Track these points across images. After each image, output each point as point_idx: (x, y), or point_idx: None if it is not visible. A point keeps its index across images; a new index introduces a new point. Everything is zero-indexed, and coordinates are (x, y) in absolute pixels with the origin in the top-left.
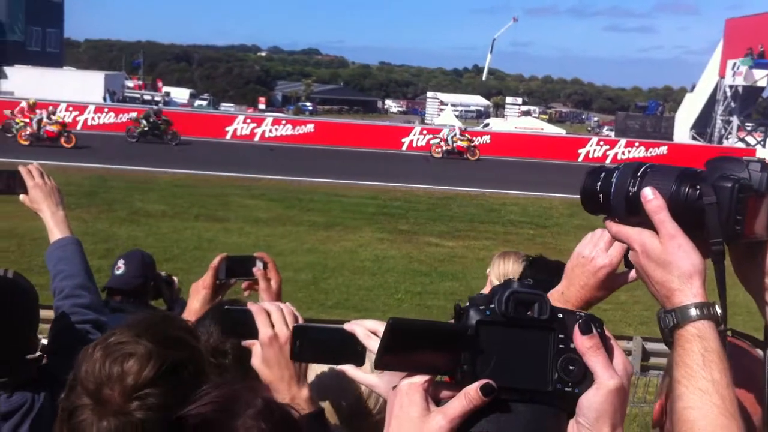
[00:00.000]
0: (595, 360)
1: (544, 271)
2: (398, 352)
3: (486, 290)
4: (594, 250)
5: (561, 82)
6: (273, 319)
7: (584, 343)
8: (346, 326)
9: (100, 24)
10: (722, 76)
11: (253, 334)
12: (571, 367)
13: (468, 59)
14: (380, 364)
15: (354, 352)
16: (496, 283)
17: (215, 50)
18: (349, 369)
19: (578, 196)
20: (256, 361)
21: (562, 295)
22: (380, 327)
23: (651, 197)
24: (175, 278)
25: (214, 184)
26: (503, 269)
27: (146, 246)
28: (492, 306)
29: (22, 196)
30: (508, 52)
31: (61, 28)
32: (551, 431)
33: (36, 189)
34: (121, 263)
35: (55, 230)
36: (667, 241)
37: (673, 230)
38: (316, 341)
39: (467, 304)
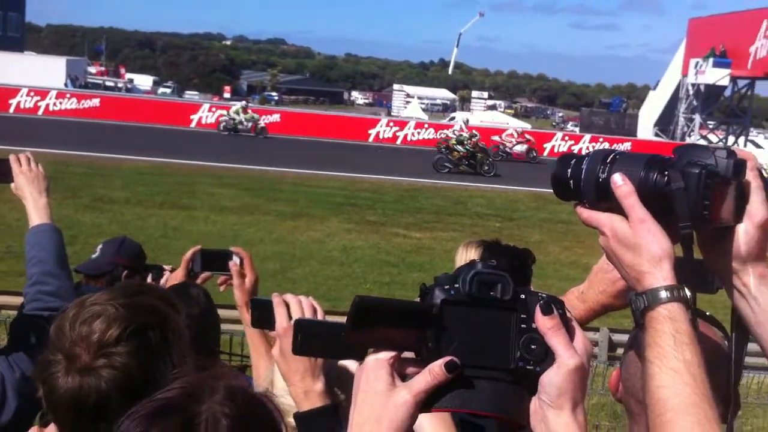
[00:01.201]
0: (555, 339)
1: (501, 255)
2: (365, 328)
3: None
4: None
5: (527, 78)
6: (291, 312)
7: (545, 323)
8: None
9: (62, 9)
10: (685, 74)
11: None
12: (532, 346)
13: (434, 53)
14: (348, 340)
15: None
16: None
17: (180, 38)
18: (350, 364)
19: (544, 190)
20: (275, 352)
21: (581, 294)
22: None
23: (620, 183)
24: (167, 269)
25: (179, 172)
26: (467, 258)
27: (110, 233)
28: (456, 286)
29: (12, 184)
30: (474, 47)
31: (22, 12)
32: (513, 407)
33: (20, 176)
34: (98, 248)
35: (34, 216)
36: (637, 225)
37: (643, 215)
38: (318, 335)
39: (432, 283)
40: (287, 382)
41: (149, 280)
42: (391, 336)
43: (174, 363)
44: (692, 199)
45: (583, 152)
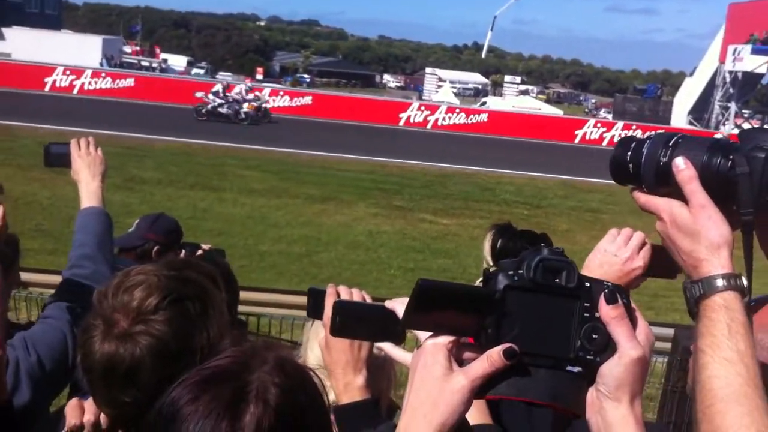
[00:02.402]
0: (619, 330)
1: (515, 238)
2: (425, 312)
3: (482, 267)
4: (628, 251)
5: (560, 63)
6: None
7: (609, 313)
8: (387, 303)
9: None
10: (722, 61)
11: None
12: (594, 336)
13: (468, 36)
14: (407, 324)
15: (394, 329)
16: (488, 257)
17: (214, 18)
18: (388, 347)
19: (574, 177)
20: (321, 343)
21: None
22: None
23: (683, 167)
24: (205, 247)
25: (210, 154)
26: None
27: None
28: (520, 271)
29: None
30: (509, 30)
31: None
32: (570, 397)
33: (78, 160)
34: (135, 223)
35: (84, 199)
36: (698, 211)
37: (704, 200)
38: (357, 318)
39: (497, 268)
40: (329, 374)
41: (182, 256)
42: (450, 320)
43: (211, 336)
44: (756, 185)
45: (614, 143)
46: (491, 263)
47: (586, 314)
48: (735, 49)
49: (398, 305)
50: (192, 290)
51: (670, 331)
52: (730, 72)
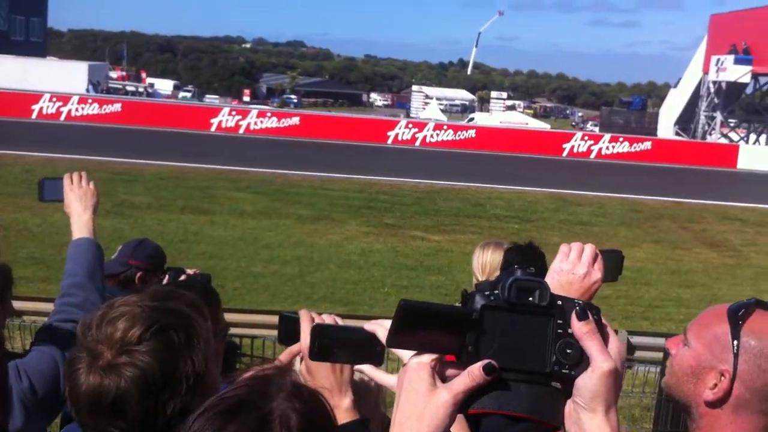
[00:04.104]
0: (590, 344)
1: (526, 258)
2: (408, 331)
3: (473, 282)
4: (584, 266)
5: (546, 77)
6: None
7: (581, 329)
8: (366, 326)
9: (83, 13)
10: (706, 72)
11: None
12: (568, 351)
13: (453, 53)
14: (391, 343)
15: (373, 351)
16: (477, 273)
17: (200, 41)
18: (368, 369)
19: (563, 191)
20: (302, 369)
21: None
22: None
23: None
24: (189, 272)
25: (199, 177)
26: (482, 259)
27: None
28: (496, 292)
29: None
30: (493, 46)
31: (44, 17)
32: (549, 409)
33: (69, 193)
34: (118, 249)
35: (76, 231)
36: None
37: None
38: (335, 340)
39: (475, 290)
40: None
41: (165, 281)
42: (433, 339)
43: (196, 366)
44: None
45: (601, 155)
46: (479, 278)
47: (559, 330)
48: (718, 60)
49: (377, 327)
50: (175, 320)
51: (663, 341)
52: (714, 82)
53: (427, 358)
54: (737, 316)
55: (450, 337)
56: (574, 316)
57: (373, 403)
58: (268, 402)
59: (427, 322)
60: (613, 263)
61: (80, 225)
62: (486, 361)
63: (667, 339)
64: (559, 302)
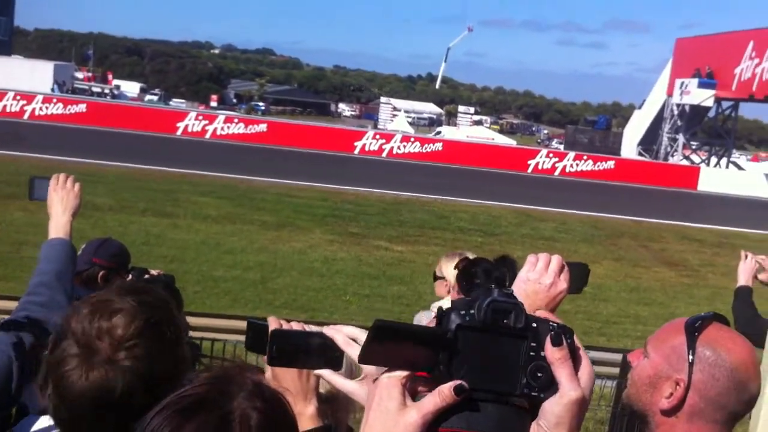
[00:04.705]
0: (561, 371)
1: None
2: (381, 348)
3: (438, 291)
4: (550, 276)
5: (513, 94)
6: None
7: (553, 354)
8: (326, 330)
9: (50, 13)
10: (670, 94)
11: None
12: (539, 374)
13: (422, 67)
14: (363, 359)
15: (332, 356)
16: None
17: (168, 45)
18: (326, 374)
19: (527, 206)
20: (268, 375)
21: None
22: (360, 334)
23: None
24: (153, 272)
25: (163, 180)
26: (449, 268)
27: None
28: (472, 311)
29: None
30: (462, 62)
31: (11, 16)
32: (515, 429)
33: (52, 194)
34: (81, 248)
35: (52, 231)
36: None
37: None
38: (294, 345)
39: (449, 307)
40: None
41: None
42: (405, 356)
43: (180, 359)
44: None
45: (566, 173)
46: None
47: (532, 353)
48: (682, 83)
49: (336, 333)
50: (164, 315)
51: (619, 357)
52: (678, 105)
53: (399, 375)
54: (694, 328)
55: (423, 355)
56: (548, 340)
57: (342, 410)
58: (229, 401)
59: (400, 340)
60: (578, 275)
61: (57, 226)
62: (457, 382)
63: (629, 352)
64: (534, 324)
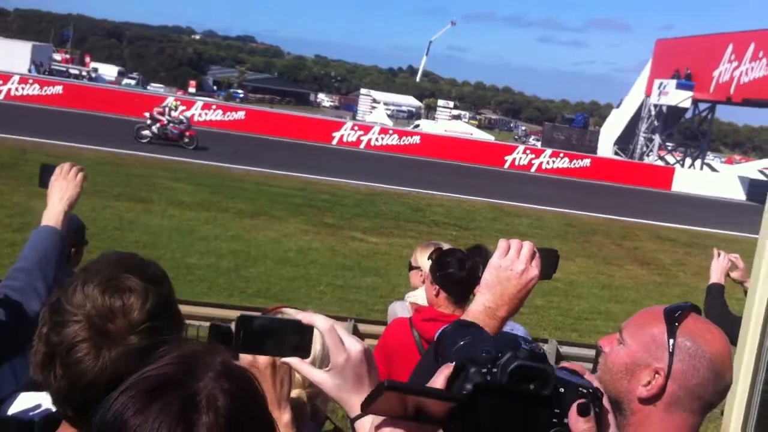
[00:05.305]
0: None
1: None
2: (391, 403)
3: (413, 281)
4: (522, 263)
5: (492, 90)
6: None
7: (579, 426)
8: (303, 318)
9: None
10: (648, 94)
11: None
12: None
13: (403, 60)
14: (368, 408)
15: (301, 344)
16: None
17: (148, 29)
18: (295, 362)
19: (503, 202)
20: None
21: (489, 309)
22: (336, 325)
23: None
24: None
25: (138, 164)
26: (424, 258)
27: None
28: (494, 371)
29: None
30: (444, 56)
31: None
32: None
33: (54, 182)
34: None
35: (44, 219)
36: None
37: None
38: (261, 332)
39: (467, 357)
40: None
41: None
42: (415, 411)
43: (182, 335)
44: None
45: (542, 170)
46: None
47: (554, 419)
48: (661, 84)
49: (317, 319)
50: (169, 290)
51: (592, 352)
52: (656, 105)
53: (405, 427)
54: (674, 317)
55: (436, 407)
56: (574, 409)
57: (321, 399)
58: (195, 381)
59: (411, 397)
60: (548, 262)
61: (50, 214)
62: None
63: (601, 338)
64: (562, 389)
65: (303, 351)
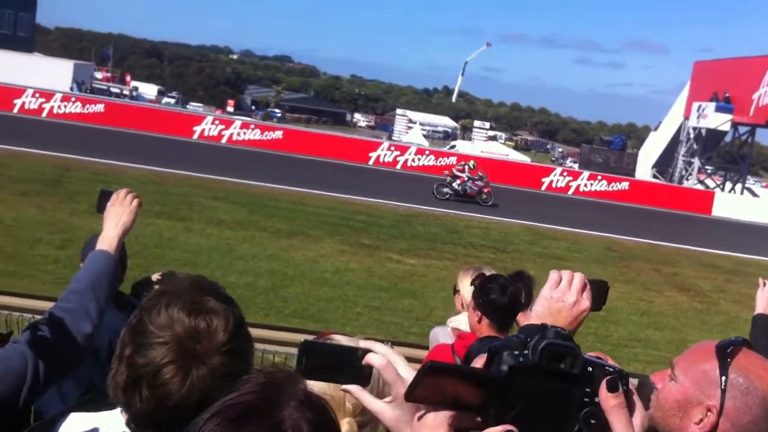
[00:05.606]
0: (616, 418)
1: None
2: (430, 386)
3: (457, 305)
4: (573, 295)
5: (528, 111)
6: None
7: (609, 401)
8: (362, 344)
9: (72, 12)
10: (687, 117)
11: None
12: (592, 421)
13: (439, 80)
14: (411, 396)
15: (361, 372)
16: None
17: (187, 49)
18: (355, 390)
19: (540, 224)
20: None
21: None
22: (389, 353)
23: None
24: (156, 277)
25: (178, 183)
26: (467, 283)
27: None
28: (526, 352)
29: None
30: (479, 76)
31: (33, 13)
32: None
33: (110, 208)
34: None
35: (98, 244)
36: None
37: None
38: (323, 358)
39: (500, 344)
40: None
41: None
42: (453, 396)
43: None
44: None
45: (579, 192)
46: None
47: (586, 399)
48: (699, 106)
49: (378, 348)
50: (240, 312)
51: (634, 381)
52: (694, 128)
53: (445, 415)
54: (726, 353)
55: (473, 396)
56: (604, 385)
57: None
58: (279, 410)
59: (450, 381)
60: (598, 293)
61: (105, 240)
62: (507, 426)
63: (653, 373)
64: (590, 369)
65: (363, 379)
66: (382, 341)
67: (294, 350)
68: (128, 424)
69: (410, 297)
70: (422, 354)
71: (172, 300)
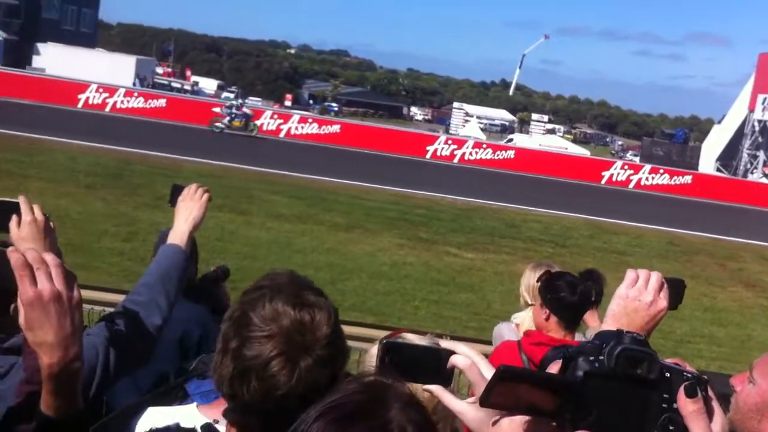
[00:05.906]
0: (696, 424)
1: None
2: (504, 392)
3: (520, 303)
4: (650, 294)
5: (587, 103)
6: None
7: (688, 407)
8: (443, 344)
9: (133, 8)
10: (752, 109)
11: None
12: (671, 427)
13: (496, 73)
14: (485, 401)
15: (443, 372)
16: (526, 295)
17: (245, 44)
18: (437, 390)
19: (599, 218)
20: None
21: None
22: (471, 354)
23: None
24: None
25: (238, 177)
26: (532, 281)
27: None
28: (601, 358)
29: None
30: (537, 69)
31: (96, 9)
32: None
33: (181, 203)
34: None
35: (170, 238)
36: None
37: None
38: (406, 358)
39: (575, 350)
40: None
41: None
42: (529, 402)
43: None
44: None
45: (640, 186)
46: (528, 301)
47: (664, 405)
48: (765, 99)
49: (460, 349)
50: (335, 308)
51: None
52: (760, 121)
53: (521, 420)
54: None
55: (548, 402)
56: (682, 391)
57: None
58: (386, 411)
59: (525, 386)
60: (675, 292)
61: (176, 234)
62: None
63: (733, 376)
64: (668, 374)
65: (445, 379)
66: (441, 336)
67: (354, 343)
68: (226, 414)
69: (468, 291)
70: (481, 348)
71: (275, 294)
